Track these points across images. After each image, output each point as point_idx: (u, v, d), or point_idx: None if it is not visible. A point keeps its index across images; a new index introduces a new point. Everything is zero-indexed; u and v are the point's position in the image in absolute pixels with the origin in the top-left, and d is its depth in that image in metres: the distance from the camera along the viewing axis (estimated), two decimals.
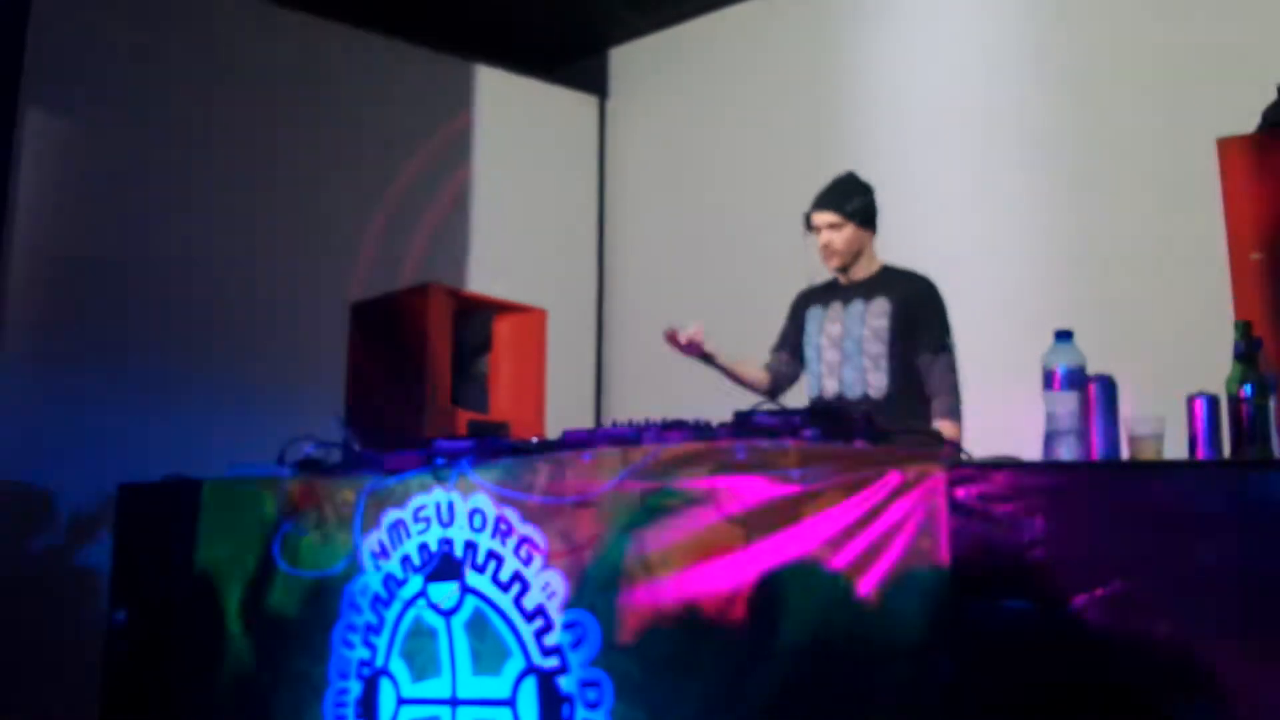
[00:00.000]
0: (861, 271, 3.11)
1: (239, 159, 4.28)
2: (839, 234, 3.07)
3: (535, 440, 2.28)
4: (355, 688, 2.35)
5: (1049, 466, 1.79)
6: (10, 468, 3.58)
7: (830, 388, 3.07)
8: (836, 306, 3.12)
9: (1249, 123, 2.78)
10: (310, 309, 4.21)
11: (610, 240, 5.40)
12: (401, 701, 2.27)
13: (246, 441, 3.03)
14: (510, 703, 2.09)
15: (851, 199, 3.08)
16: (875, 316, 3.04)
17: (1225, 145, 2.69)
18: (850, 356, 3.04)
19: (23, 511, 3.63)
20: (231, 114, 4.27)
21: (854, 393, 3.01)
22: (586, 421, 4.82)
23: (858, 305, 3.08)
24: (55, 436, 3.66)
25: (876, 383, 2.99)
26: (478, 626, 2.17)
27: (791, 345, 3.22)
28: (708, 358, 3.10)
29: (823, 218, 3.08)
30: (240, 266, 4.21)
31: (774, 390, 3.21)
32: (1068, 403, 1.90)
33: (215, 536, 2.69)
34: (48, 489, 3.64)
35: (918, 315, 3.01)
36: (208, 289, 4.12)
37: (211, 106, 4.22)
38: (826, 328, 3.12)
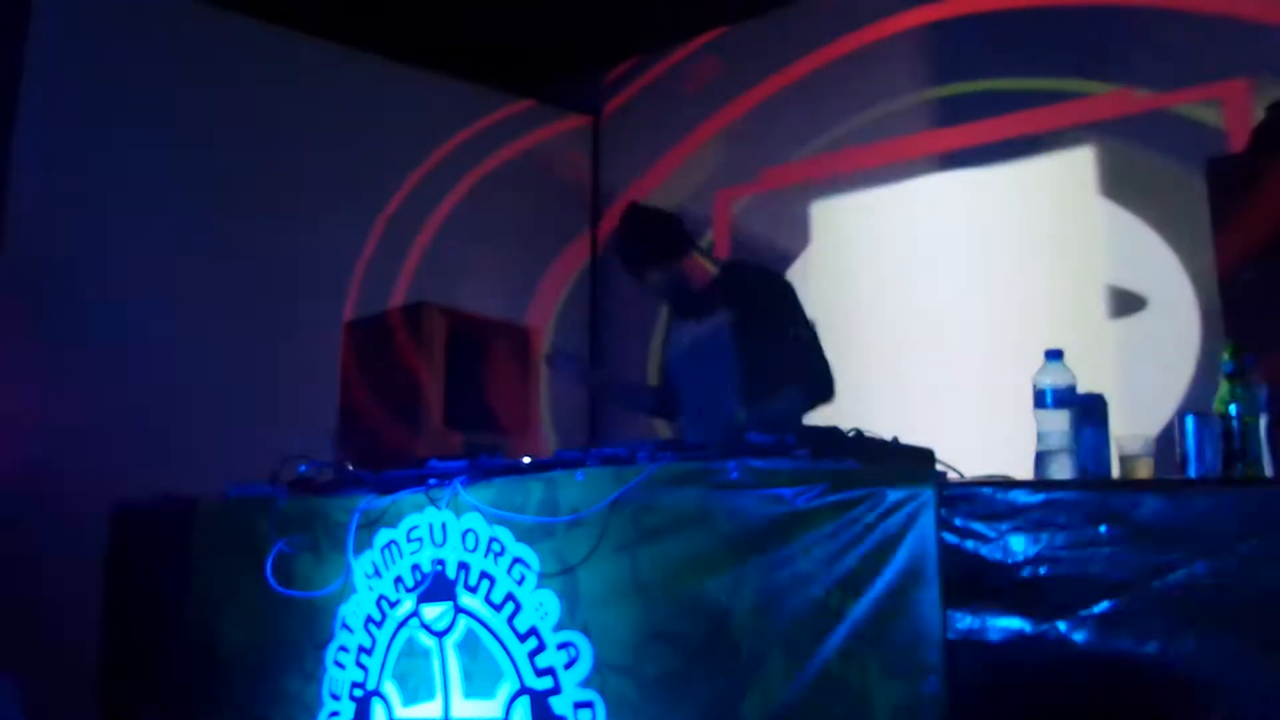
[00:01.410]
0: (696, 285, 3.03)
1: (235, 176, 4.29)
2: (646, 283, 3.03)
3: (528, 460, 2.28)
4: (348, 709, 2.34)
5: (1039, 485, 1.80)
6: (4, 484, 3.57)
7: (690, 404, 3.04)
8: (687, 322, 3.08)
9: None
10: (303, 328, 4.21)
11: (604, 259, 5.42)
12: None
13: (240, 461, 3.03)
14: None
15: (630, 250, 3.02)
16: (717, 329, 2.95)
17: (1215, 165, 2.72)
18: (702, 371, 2.98)
19: (15, 532, 3.61)
20: (229, 132, 4.29)
21: (712, 406, 2.94)
22: (581, 441, 4.82)
23: (697, 320, 3.02)
24: (49, 455, 3.65)
25: (730, 396, 2.89)
26: (470, 647, 2.17)
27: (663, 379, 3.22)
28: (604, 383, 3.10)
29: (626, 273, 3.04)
30: (234, 286, 4.22)
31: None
32: (1058, 421, 1.91)
33: (209, 556, 2.69)
34: (41, 508, 3.62)
35: (760, 313, 2.90)
36: (203, 306, 4.12)
37: (209, 125, 4.23)
38: (678, 343, 3.10)
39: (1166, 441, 1.96)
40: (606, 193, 5.46)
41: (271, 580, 2.47)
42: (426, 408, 3.04)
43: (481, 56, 5.09)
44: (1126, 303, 3.77)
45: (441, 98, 5.03)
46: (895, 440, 2.14)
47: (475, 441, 2.85)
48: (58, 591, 3.50)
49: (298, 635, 2.48)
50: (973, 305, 4.11)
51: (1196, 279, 3.58)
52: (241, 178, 4.31)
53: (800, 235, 4.62)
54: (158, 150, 4.10)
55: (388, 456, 2.64)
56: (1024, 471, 1.93)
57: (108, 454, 3.70)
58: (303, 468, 2.70)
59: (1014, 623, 1.63)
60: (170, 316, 4.04)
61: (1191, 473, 1.87)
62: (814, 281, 4.29)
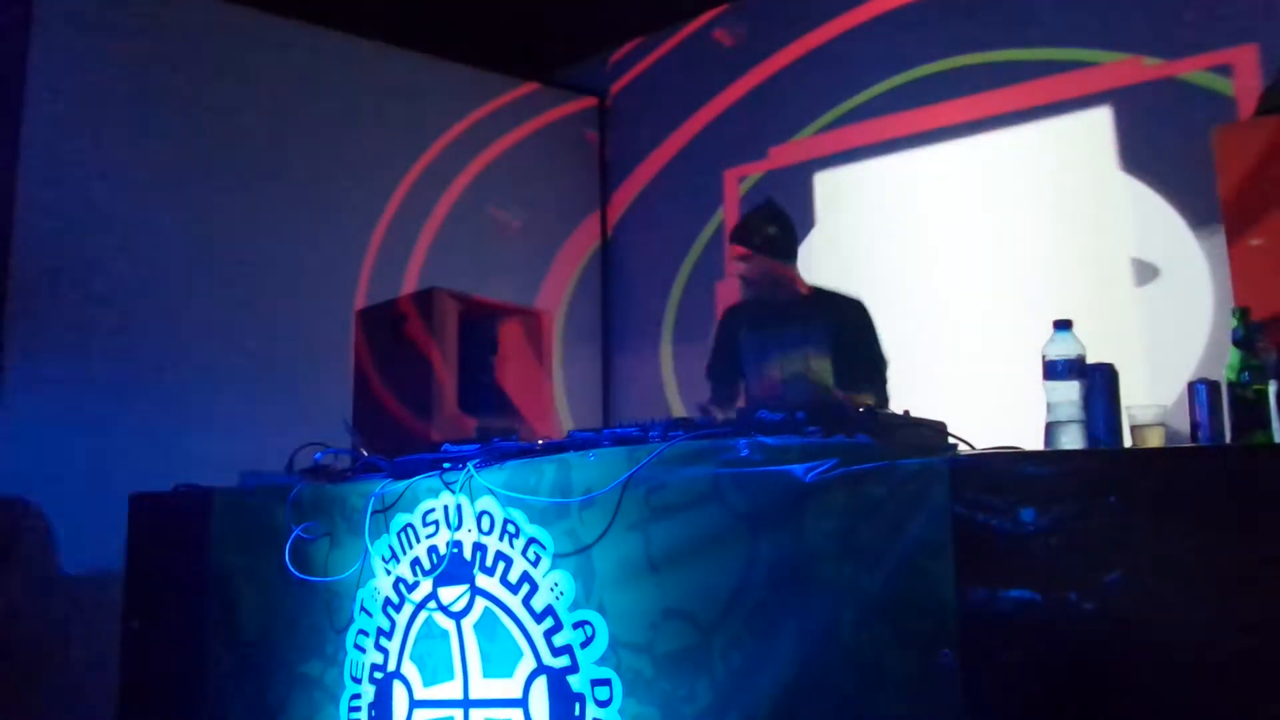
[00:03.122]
0: (787, 298, 3.14)
1: (243, 168, 4.31)
2: (749, 265, 3.11)
3: (541, 442, 2.30)
4: (369, 691, 2.37)
5: (1050, 455, 1.80)
6: (21, 478, 3.61)
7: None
8: (769, 332, 3.16)
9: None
10: (317, 316, 4.24)
11: (616, 241, 5.42)
12: (414, 704, 2.28)
13: (256, 450, 3.06)
14: (522, 703, 2.11)
15: (760, 232, 3.12)
16: (809, 346, 3.08)
17: (1222, 132, 2.70)
18: (786, 384, 3.08)
19: (35, 523, 3.65)
20: (235, 123, 4.31)
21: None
22: (594, 424, 4.84)
23: (790, 334, 3.11)
24: (65, 447, 3.69)
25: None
26: (488, 628, 2.19)
27: (731, 366, 3.25)
28: None
29: (732, 250, 3.14)
30: (247, 274, 4.24)
31: None
32: (1068, 392, 1.91)
33: (227, 544, 2.71)
34: (59, 500, 3.66)
35: (851, 341, 3.06)
36: (215, 298, 4.15)
37: (215, 116, 4.25)
38: (761, 354, 3.17)
39: (1181, 410, 1.96)
40: (614, 175, 5.46)
41: (290, 566, 2.50)
42: (439, 393, 3.06)
43: (487, 41, 5.08)
44: (1139, 271, 3.75)
45: (447, 83, 5.03)
46: (907, 414, 2.15)
47: (488, 425, 2.87)
48: (78, 579, 3.55)
49: (318, 620, 2.50)
50: (982, 277, 4.10)
51: (1208, 246, 3.57)
52: (251, 168, 4.32)
53: (807, 211, 4.61)
54: (167, 142, 4.12)
55: (402, 442, 2.66)
56: (1036, 443, 1.94)
57: (124, 444, 3.74)
58: (318, 455, 2.73)
59: (1026, 594, 1.64)
60: (182, 307, 4.07)
61: (1203, 440, 1.88)
62: (823, 255, 4.29)
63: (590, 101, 5.50)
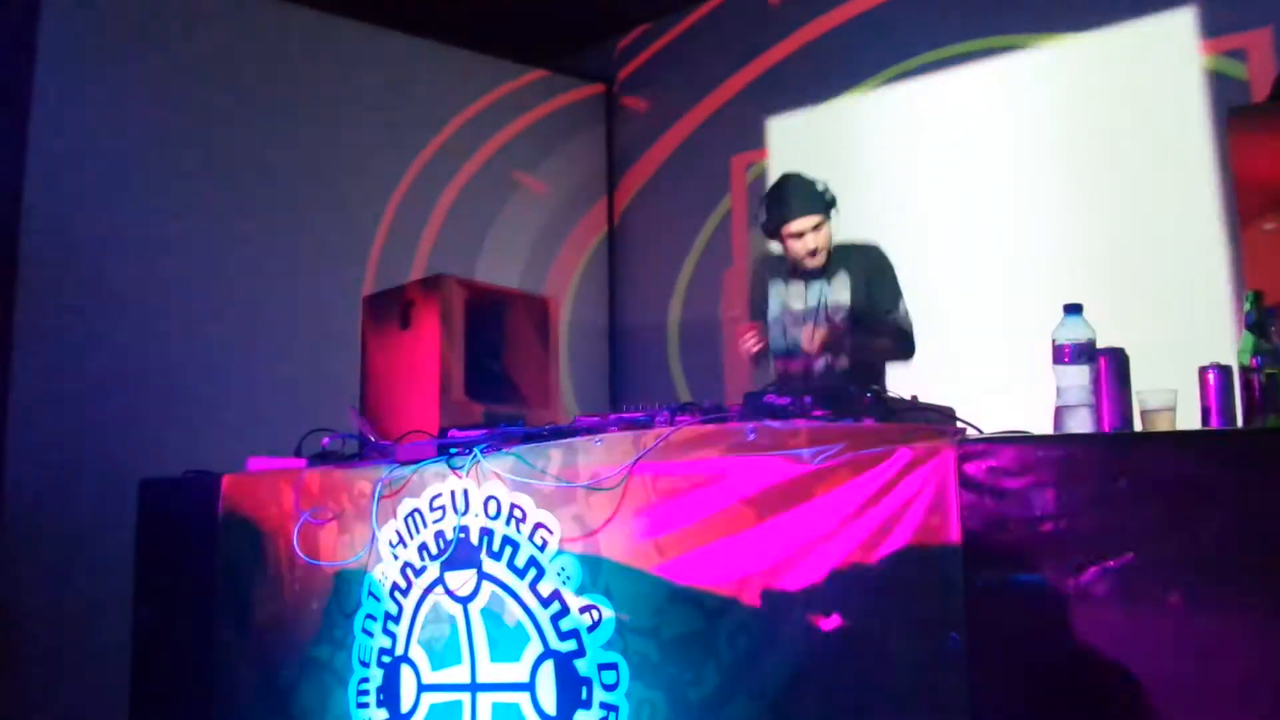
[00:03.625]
0: (822, 248, 3.17)
1: (252, 152, 4.30)
2: (821, 233, 3.10)
3: (547, 427, 2.29)
4: (377, 675, 2.37)
5: (1059, 439, 1.79)
6: (31, 465, 3.62)
7: (794, 362, 3.16)
8: (797, 284, 3.19)
9: None
10: (324, 302, 4.24)
11: (623, 227, 5.41)
12: (422, 688, 2.29)
13: (264, 435, 3.06)
14: (529, 687, 2.11)
15: (823, 195, 3.13)
16: (836, 291, 3.13)
17: (1237, 116, 2.68)
18: (814, 330, 3.12)
19: (45, 510, 3.67)
20: (243, 109, 4.30)
21: (816, 366, 3.13)
22: (601, 410, 4.84)
23: (817, 283, 3.16)
24: (73, 433, 3.70)
25: (839, 356, 3.09)
26: (495, 612, 2.19)
27: (761, 313, 3.28)
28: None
29: (805, 222, 3.10)
30: (254, 260, 4.24)
31: None
32: (1078, 376, 1.90)
33: (235, 529, 2.72)
34: (68, 486, 3.68)
35: (876, 282, 3.12)
36: (221, 282, 4.15)
37: (224, 101, 4.25)
38: (789, 303, 3.20)
39: (1188, 395, 1.95)
40: (621, 161, 5.45)
41: (299, 550, 2.50)
42: (447, 379, 3.06)
43: (494, 28, 5.06)
44: (1151, 255, 3.73)
45: (456, 70, 5.01)
46: (914, 399, 2.14)
47: (495, 411, 2.87)
48: (90, 563, 3.57)
49: (326, 604, 2.51)
50: (990, 261, 4.08)
51: (1224, 230, 3.55)
52: (259, 155, 4.32)
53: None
54: (174, 128, 4.11)
55: (409, 428, 2.66)
56: (1046, 428, 1.92)
57: (134, 429, 3.75)
58: (326, 440, 2.74)
59: (1035, 578, 1.63)
60: (191, 293, 4.07)
61: (1213, 424, 1.86)
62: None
63: (598, 88, 5.49)
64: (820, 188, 3.14)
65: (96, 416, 3.74)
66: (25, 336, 3.68)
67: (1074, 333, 1.91)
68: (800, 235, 3.11)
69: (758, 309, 3.30)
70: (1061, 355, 1.91)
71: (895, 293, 3.15)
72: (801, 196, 3.13)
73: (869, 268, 3.14)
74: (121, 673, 2.99)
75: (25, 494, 3.62)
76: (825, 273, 3.16)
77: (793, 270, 3.22)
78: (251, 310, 4.19)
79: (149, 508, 2.99)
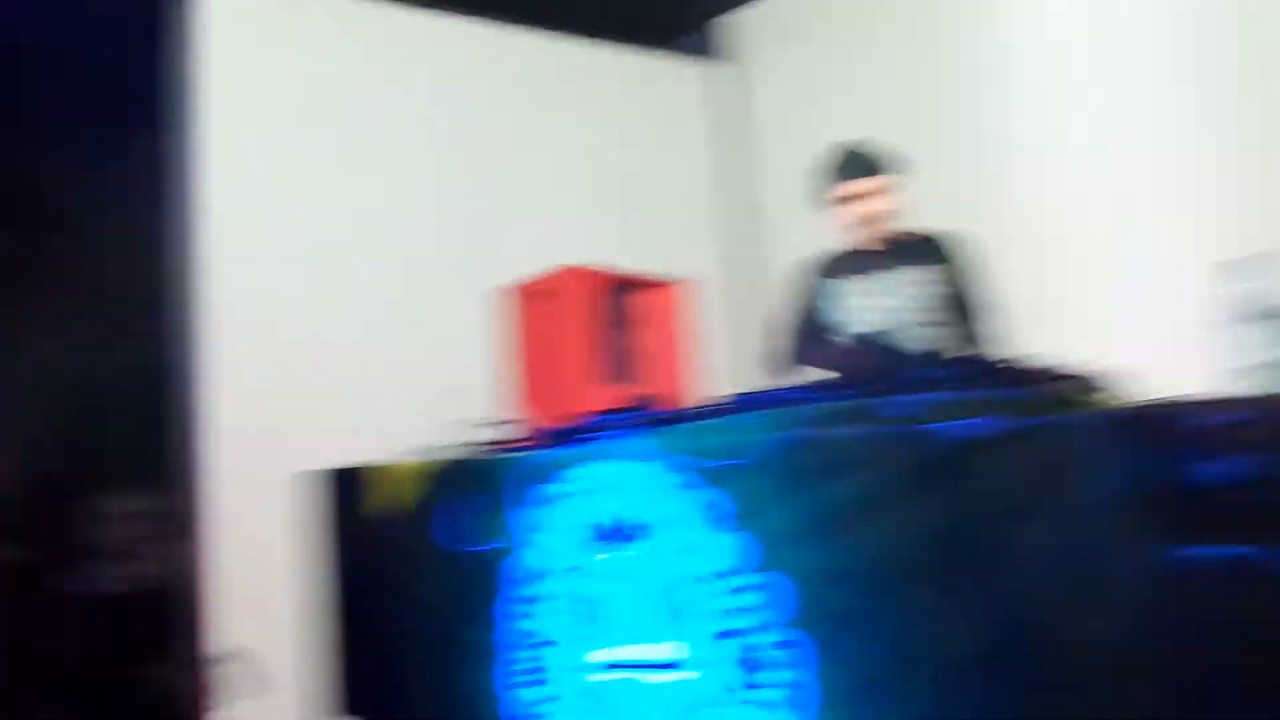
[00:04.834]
0: (887, 234, 2.94)
1: (378, 161, 4.45)
2: (882, 200, 2.89)
3: (697, 407, 2.28)
4: (531, 657, 2.40)
5: (1249, 401, 1.69)
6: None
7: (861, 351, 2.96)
8: (870, 277, 2.95)
9: None
10: (455, 297, 4.31)
11: (761, 208, 5.33)
12: (575, 669, 2.30)
13: (402, 426, 3.13)
14: (697, 665, 2.10)
15: (884, 156, 2.89)
16: (917, 285, 2.89)
17: None
18: (892, 330, 2.89)
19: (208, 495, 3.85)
20: (369, 114, 4.44)
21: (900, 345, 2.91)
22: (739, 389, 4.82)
23: (890, 275, 2.91)
24: (237, 422, 3.89)
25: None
26: (651, 592, 2.19)
27: (811, 325, 3.06)
28: None
29: (865, 184, 2.88)
30: (390, 261, 4.38)
31: None
32: (1263, 333, 1.79)
33: (387, 517, 2.79)
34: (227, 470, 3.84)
35: (963, 278, 2.88)
36: (361, 282, 4.29)
37: (360, 107, 4.44)
38: (860, 302, 2.96)
39: None
40: (752, 140, 5.37)
41: (441, 538, 2.55)
42: (583, 365, 3.09)
43: (598, 11, 5.05)
44: None
45: (568, 58, 5.04)
46: (1069, 365, 2.05)
47: (637, 393, 2.88)
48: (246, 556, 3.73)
49: (477, 589, 2.55)
50: (1140, 208, 3.81)
51: None
52: (388, 159, 4.46)
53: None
54: (316, 135, 4.30)
55: (551, 415, 2.69)
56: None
57: (285, 423, 3.90)
58: (464, 430, 2.78)
59: (1232, 550, 1.54)
60: (331, 290, 4.22)
61: None
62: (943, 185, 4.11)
63: (707, 65, 5.44)
64: (879, 151, 2.91)
65: (249, 408, 3.91)
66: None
67: (1258, 283, 1.80)
68: (856, 199, 2.89)
69: (803, 319, 3.10)
70: (1245, 310, 1.80)
71: (982, 294, 2.93)
72: (860, 159, 2.91)
73: (952, 260, 2.91)
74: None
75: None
76: (899, 260, 2.92)
77: (855, 258, 2.99)
78: (387, 308, 4.33)
79: (305, 498, 3.10)
